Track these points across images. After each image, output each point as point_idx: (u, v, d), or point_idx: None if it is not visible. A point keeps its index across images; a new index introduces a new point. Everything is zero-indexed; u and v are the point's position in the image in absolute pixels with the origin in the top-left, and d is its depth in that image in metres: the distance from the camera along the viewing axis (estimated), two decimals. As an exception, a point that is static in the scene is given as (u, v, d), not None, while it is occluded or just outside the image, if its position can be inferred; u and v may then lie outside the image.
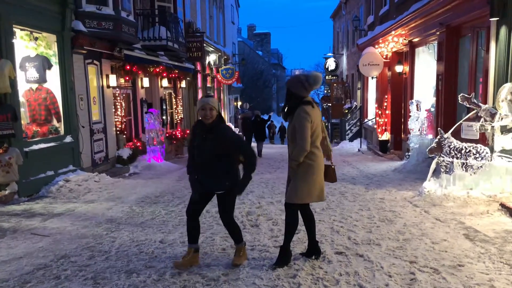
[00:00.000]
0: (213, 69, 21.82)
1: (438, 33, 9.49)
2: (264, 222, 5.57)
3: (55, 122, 8.77)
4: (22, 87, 8.09)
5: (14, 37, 7.51)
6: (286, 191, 4.08)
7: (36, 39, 8.16)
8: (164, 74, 13.42)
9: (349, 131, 20.53)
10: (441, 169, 6.71)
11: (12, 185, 7.19)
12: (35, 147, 7.88)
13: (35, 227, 5.61)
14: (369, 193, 7.40)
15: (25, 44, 8.08)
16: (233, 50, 30.20)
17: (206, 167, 3.92)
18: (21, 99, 8.05)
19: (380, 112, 14.63)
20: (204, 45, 17.38)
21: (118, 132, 11.24)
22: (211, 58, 21.16)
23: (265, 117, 18.73)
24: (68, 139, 8.82)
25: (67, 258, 4.41)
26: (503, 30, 6.69)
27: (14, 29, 7.48)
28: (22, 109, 8.01)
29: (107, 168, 10.37)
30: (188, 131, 16.16)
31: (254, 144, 15.35)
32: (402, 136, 12.78)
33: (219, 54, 22.86)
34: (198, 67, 18.15)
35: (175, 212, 6.30)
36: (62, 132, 8.82)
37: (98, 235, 5.19)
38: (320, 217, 5.72)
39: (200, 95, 19.02)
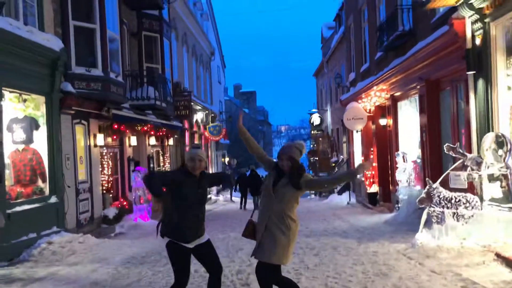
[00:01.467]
0: (201, 126, 22.09)
1: (418, 87, 9.84)
2: (255, 281, 5.33)
3: (40, 182, 8.61)
4: (8, 149, 8.01)
5: (3, 99, 7.54)
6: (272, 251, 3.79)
7: (25, 100, 8.22)
8: (152, 132, 13.51)
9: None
10: (433, 220, 6.67)
11: (-8, 250, 6.89)
12: (18, 208, 7.66)
13: (15, 294, 5.32)
14: (362, 246, 7.27)
15: (13, 105, 8.11)
16: (220, 108, 30.79)
17: (195, 216, 3.92)
18: (7, 160, 7.94)
19: (367, 165, 14.73)
20: (192, 103, 17.71)
21: (104, 191, 11.06)
22: (199, 116, 21.48)
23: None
24: (53, 199, 8.63)
25: (48, 326, 4.15)
26: (481, 83, 6.97)
27: (3, 91, 7.53)
28: (7, 171, 7.88)
29: (93, 229, 10.08)
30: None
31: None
32: (391, 188, 12.81)
33: (206, 112, 23.25)
34: (186, 125, 18.36)
35: (162, 272, 6.06)
36: (47, 192, 8.64)
37: (81, 300, 4.93)
38: (313, 274, 5.56)
39: (187, 152, 19.02)
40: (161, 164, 15.45)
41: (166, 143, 15.76)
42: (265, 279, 3.89)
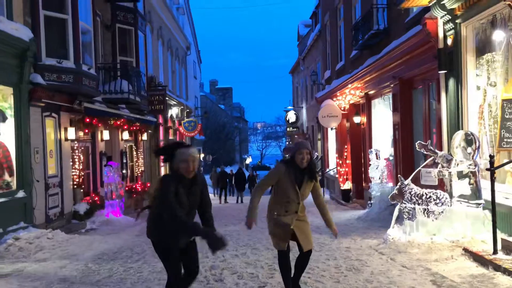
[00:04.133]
0: (176, 121, 21.84)
1: (392, 85, 10.00)
2: (228, 276, 5.34)
3: (6, 176, 8.31)
4: (-27, 141, 7.71)
5: (-33, 89, 7.24)
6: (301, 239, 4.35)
7: (-10, 91, 7.91)
8: (125, 127, 13.26)
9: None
10: (404, 216, 6.79)
11: (-46, 246, 6.62)
12: (-17, 203, 7.38)
13: (-22, 291, 5.12)
14: (335, 242, 7.32)
15: (-22, 96, 7.81)
16: (196, 103, 30.53)
17: (190, 218, 3.67)
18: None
19: (340, 162, 14.93)
20: (167, 98, 17.47)
21: (75, 186, 10.79)
22: (174, 111, 21.23)
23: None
24: (21, 194, 8.35)
25: (12, 324, 4.00)
26: (451, 82, 7.13)
27: (-33, 81, 7.23)
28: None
29: (62, 224, 9.82)
30: (148, 184, 15.77)
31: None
32: (364, 184, 13.00)
33: (182, 107, 23.00)
34: (160, 120, 18.11)
35: (133, 268, 5.95)
36: (14, 187, 8.35)
37: (49, 297, 4.78)
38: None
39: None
40: (134, 159, 15.20)
41: (140, 138, 15.50)
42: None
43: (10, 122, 8.31)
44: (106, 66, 12.75)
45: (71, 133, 10.50)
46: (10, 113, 8.33)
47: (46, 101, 9.37)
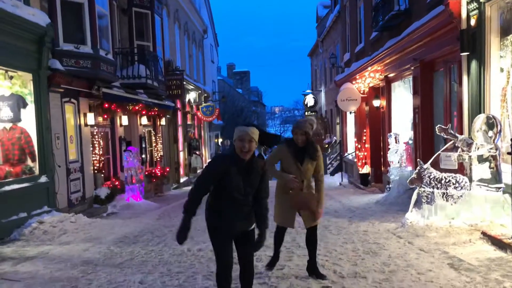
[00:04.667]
0: (193, 106, 21.92)
1: (412, 68, 9.79)
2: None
3: (29, 161, 8.51)
4: (-4, 127, 7.90)
5: (-11, 75, 7.39)
6: (304, 216, 4.53)
7: (11, 77, 8.05)
8: (144, 112, 13.37)
9: (330, 165, 20.64)
10: (423, 200, 6.72)
11: (-18, 228, 6.85)
12: (7, 188, 7.59)
13: (5, 272, 5.30)
14: (353, 225, 7.33)
15: None
16: (213, 88, 30.53)
17: (246, 205, 3.36)
18: (-5, 138, 7.83)
19: (359, 146, 14.80)
20: (184, 83, 17.51)
21: (96, 171, 11.00)
22: (191, 95, 21.29)
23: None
24: (43, 179, 8.55)
25: (38, 304, 4.15)
26: (474, 64, 6.93)
27: (-12, 68, 7.37)
28: (-5, 149, 7.78)
29: (84, 208, 10.05)
30: (168, 169, 15.95)
31: None
32: (382, 169, 12.88)
33: (199, 92, 23.04)
34: (178, 105, 18.19)
35: (154, 251, 6.07)
36: (36, 172, 8.56)
37: (73, 278, 4.92)
38: (304, 252, 5.55)
39: (180, 132, 18.97)
40: (153, 144, 15.36)
41: (158, 123, 15.63)
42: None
43: (31, 108, 8.46)
44: (124, 51, 12.81)
45: (90, 118, 10.65)
46: (30, 99, 8.48)
47: (65, 87, 9.50)
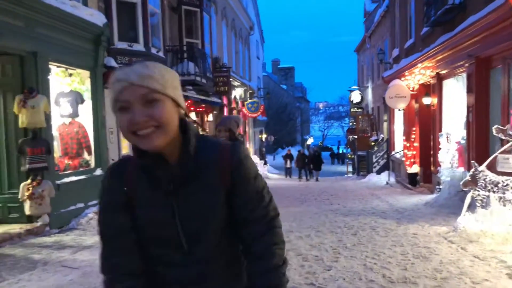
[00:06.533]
0: (239, 102, 22.14)
1: (467, 65, 9.38)
2: (293, 258, 5.43)
3: (86, 155, 8.96)
4: (56, 122, 8.36)
5: (50, 73, 7.83)
6: None
7: (70, 75, 8.49)
8: (192, 108, 13.66)
9: (376, 163, 20.21)
10: (477, 204, 6.45)
11: (43, 217, 7.31)
12: (66, 180, 8.04)
13: (65, 259, 5.64)
14: (401, 228, 7.17)
15: (60, 80, 8.41)
16: (258, 84, 30.66)
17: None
18: (55, 133, 8.29)
19: (408, 145, 14.39)
20: (230, 79, 17.71)
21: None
22: (237, 92, 21.51)
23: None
24: (98, 172, 8.97)
25: (96, 292, 4.38)
26: (537, 61, 6.55)
27: (50, 66, 7.81)
28: (55, 143, 8.24)
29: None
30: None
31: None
32: (432, 168, 12.46)
33: (245, 88, 23.23)
34: (225, 101, 18.44)
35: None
36: (92, 165, 8.99)
37: (126, 269, 5.15)
38: (351, 253, 5.55)
39: (225, 128, 19.21)
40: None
41: (206, 119, 15.94)
42: None
43: (87, 104, 8.89)
44: (173, 48, 13.14)
45: (142, 114, 11.00)
46: (87, 95, 8.92)
47: (119, 84, 9.87)
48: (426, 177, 13.03)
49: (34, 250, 6.13)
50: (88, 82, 8.97)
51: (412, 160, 13.87)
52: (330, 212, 9.12)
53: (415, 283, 4.35)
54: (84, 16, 8.35)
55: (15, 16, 6.80)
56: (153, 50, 10.48)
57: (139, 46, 10.15)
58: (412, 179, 13.63)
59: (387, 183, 15.80)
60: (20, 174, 7.23)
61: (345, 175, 28.06)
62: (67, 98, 8.43)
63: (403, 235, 6.62)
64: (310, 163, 23.40)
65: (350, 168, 29.71)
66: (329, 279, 4.49)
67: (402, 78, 14.19)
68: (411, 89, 13.77)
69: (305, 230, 7.05)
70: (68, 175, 8.19)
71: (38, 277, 4.92)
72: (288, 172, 25.64)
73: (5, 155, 7.38)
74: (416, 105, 13.85)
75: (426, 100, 12.70)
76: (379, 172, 19.04)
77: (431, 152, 12.69)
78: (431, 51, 11.16)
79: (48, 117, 7.47)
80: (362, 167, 24.03)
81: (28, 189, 7.03)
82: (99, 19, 8.88)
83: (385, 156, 19.24)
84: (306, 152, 26.83)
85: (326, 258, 5.36)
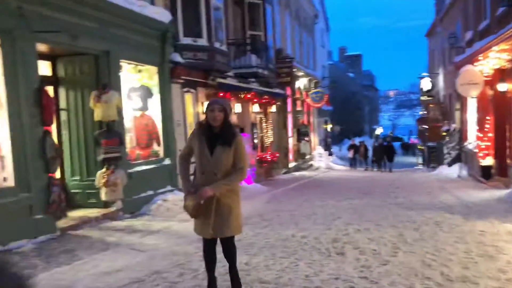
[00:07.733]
0: (303, 93, 22.05)
1: (548, 48, 8.63)
2: (350, 251, 5.42)
3: (155, 146, 9.52)
4: (128, 115, 8.95)
5: (121, 70, 8.39)
6: (220, 223, 3.66)
7: (140, 71, 9.04)
8: (255, 100, 13.91)
9: (447, 155, 19.23)
10: (554, 200, 5.99)
11: (117, 203, 7.92)
12: (137, 168, 8.62)
13: (134, 243, 6.11)
14: (468, 224, 6.83)
15: (131, 76, 8.98)
16: (323, 73, 30.27)
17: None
18: (127, 125, 8.88)
19: (481, 135, 13.53)
20: (294, 70, 17.72)
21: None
22: (301, 82, 21.43)
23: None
24: (167, 161, 9.50)
25: (159, 274, 4.73)
26: None
27: (121, 63, 8.37)
28: (129, 134, 8.83)
29: (200, 190, 10.89)
30: (277, 154, 16.42)
31: None
32: (508, 161, 11.64)
33: (309, 78, 23.07)
34: (288, 92, 18.48)
35: (261, 234, 6.41)
36: (161, 155, 9.54)
37: (188, 253, 5.47)
38: (411, 248, 5.43)
39: (289, 119, 19.29)
40: (264, 130, 15.93)
41: (269, 110, 16.12)
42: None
43: (156, 98, 9.42)
44: (236, 42, 13.40)
45: (207, 106, 11.42)
46: (155, 90, 9.44)
47: (184, 78, 10.35)
48: (501, 170, 12.20)
49: (108, 233, 6.70)
50: (156, 77, 9.49)
51: (485, 151, 13.05)
52: (394, 205, 8.89)
53: (475, 283, 4.16)
54: (151, 14, 8.82)
55: (90, 18, 7.38)
56: (217, 44, 10.80)
57: (203, 41, 10.50)
58: (485, 172, 12.84)
59: (459, 176, 15.02)
60: (97, 163, 7.87)
61: (415, 167, 26.99)
62: (138, 92, 9.00)
63: (469, 231, 6.31)
64: (382, 154, 22.58)
65: (420, 160, 28.51)
66: (384, 274, 4.45)
67: (476, 63, 13.32)
68: (485, 74, 12.90)
69: (365, 224, 6.97)
70: (139, 165, 8.77)
71: (109, 258, 5.40)
72: (352, 163, 25.18)
73: (83, 146, 8.07)
74: (490, 92, 12.95)
75: (502, 87, 11.82)
76: (450, 164, 18.11)
77: (507, 143, 11.84)
78: (508, 32, 10.36)
79: (120, 111, 8.03)
80: (433, 159, 22.94)
81: (104, 177, 7.65)
82: (165, 16, 9.32)
83: (457, 147, 18.24)
84: (369, 145, 26.22)
85: (384, 253, 5.28)
